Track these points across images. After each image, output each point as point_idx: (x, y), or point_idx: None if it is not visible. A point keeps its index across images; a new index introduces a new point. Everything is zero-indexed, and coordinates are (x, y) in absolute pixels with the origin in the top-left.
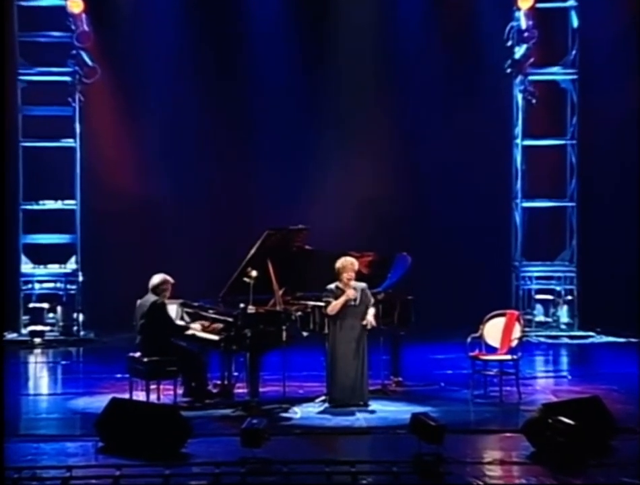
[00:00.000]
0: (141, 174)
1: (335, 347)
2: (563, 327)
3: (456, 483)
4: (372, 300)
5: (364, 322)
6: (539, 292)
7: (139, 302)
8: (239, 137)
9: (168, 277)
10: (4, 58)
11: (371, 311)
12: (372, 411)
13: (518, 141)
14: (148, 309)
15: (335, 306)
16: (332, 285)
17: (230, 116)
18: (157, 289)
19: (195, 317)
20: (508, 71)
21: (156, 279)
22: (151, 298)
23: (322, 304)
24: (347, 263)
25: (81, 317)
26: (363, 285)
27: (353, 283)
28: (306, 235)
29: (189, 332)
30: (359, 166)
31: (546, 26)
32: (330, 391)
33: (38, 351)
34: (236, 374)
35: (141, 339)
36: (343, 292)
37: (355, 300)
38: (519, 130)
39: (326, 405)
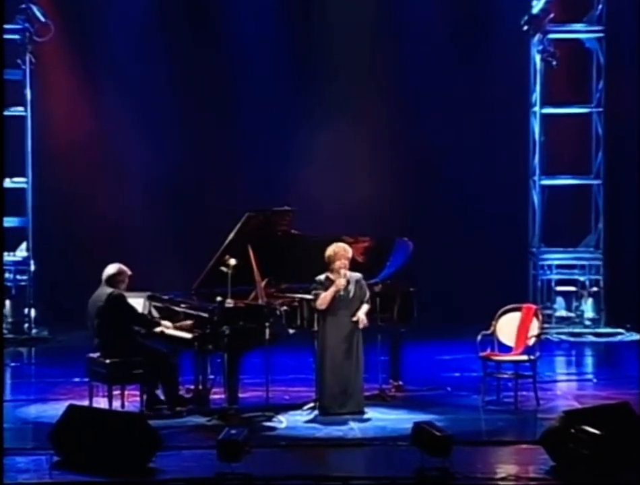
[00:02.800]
0: (104, 149)
1: (325, 346)
2: (588, 322)
3: None
4: (368, 295)
5: (355, 319)
6: (560, 282)
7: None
8: (218, 109)
9: (125, 267)
10: None
11: (364, 307)
12: (369, 420)
13: (536, 109)
14: (104, 303)
15: (324, 298)
16: (322, 276)
17: (207, 86)
18: (112, 280)
19: (164, 312)
20: (525, 28)
21: (112, 269)
22: (105, 290)
23: (311, 297)
24: (340, 250)
25: (33, 312)
26: (358, 276)
27: (347, 273)
28: (292, 217)
29: (158, 329)
30: (354, 141)
31: None
32: (320, 396)
33: None
34: (212, 377)
35: (100, 339)
36: (333, 282)
37: (345, 290)
38: (537, 96)
39: (315, 412)
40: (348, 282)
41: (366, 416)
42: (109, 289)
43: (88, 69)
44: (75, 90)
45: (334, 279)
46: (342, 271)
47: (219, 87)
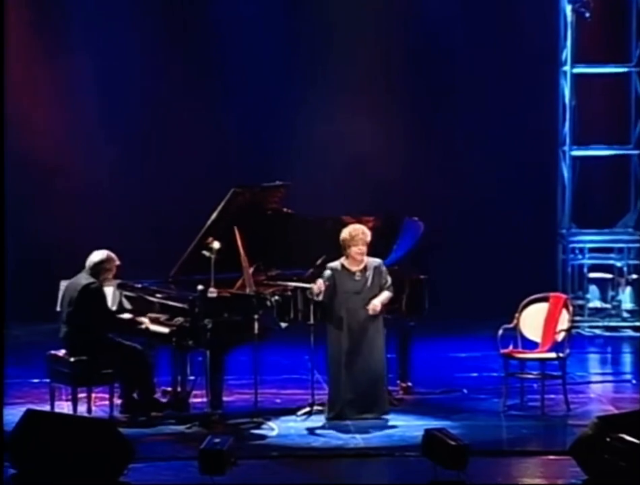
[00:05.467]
0: (69, 121)
1: (339, 339)
2: (625, 315)
3: None
4: (390, 281)
5: (368, 307)
6: (593, 268)
7: (64, 283)
8: (203, 77)
9: (113, 255)
10: None
11: (384, 294)
12: (373, 427)
13: (566, 68)
14: (79, 294)
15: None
16: (336, 263)
17: (192, 51)
18: (96, 269)
19: (137, 303)
20: None
21: (97, 255)
22: (83, 280)
23: (307, 285)
24: (358, 233)
25: None
26: (378, 261)
27: (365, 258)
28: (284, 194)
29: (141, 326)
30: (362, 111)
31: None
32: (332, 399)
33: None
34: (192, 378)
35: (66, 331)
36: (347, 270)
37: (363, 277)
38: (567, 54)
39: (311, 418)
40: (365, 269)
41: (369, 422)
42: (88, 280)
43: (52, 30)
44: (40, 57)
45: (349, 266)
46: (363, 259)
47: (210, 55)
